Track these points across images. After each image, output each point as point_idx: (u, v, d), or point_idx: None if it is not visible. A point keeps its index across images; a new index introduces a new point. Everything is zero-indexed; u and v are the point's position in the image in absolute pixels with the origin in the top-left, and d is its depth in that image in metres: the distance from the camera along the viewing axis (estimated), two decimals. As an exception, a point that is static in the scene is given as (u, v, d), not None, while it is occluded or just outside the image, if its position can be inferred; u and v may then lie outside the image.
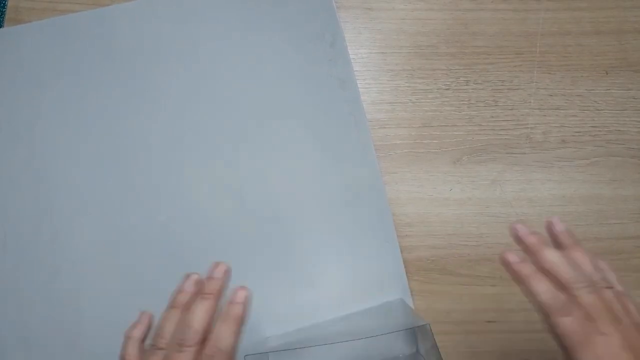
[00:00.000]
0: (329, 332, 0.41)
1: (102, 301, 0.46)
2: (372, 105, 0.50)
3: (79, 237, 0.47)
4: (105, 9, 0.52)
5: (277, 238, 0.46)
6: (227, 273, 0.33)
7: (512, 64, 0.52)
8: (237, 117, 0.49)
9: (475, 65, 0.52)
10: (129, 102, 0.50)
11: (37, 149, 0.49)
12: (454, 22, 0.53)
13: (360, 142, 0.48)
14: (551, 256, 0.31)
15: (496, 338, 0.45)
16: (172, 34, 0.51)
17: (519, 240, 0.33)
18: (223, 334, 0.30)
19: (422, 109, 0.51)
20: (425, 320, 0.38)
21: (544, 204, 0.48)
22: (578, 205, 0.48)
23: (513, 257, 0.32)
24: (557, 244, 0.33)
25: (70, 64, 0.51)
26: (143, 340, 0.33)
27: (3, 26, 0.52)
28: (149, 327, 0.34)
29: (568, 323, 0.28)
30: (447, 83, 0.51)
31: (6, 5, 0.53)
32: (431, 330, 0.38)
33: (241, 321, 0.31)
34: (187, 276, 0.33)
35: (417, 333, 0.42)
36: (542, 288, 0.30)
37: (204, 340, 0.30)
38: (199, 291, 0.32)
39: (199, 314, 0.30)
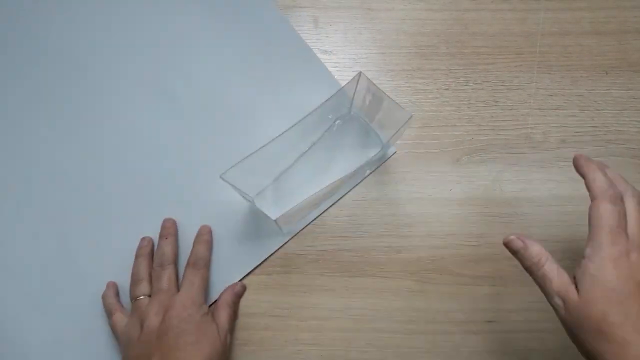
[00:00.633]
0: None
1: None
2: (372, 106, 0.50)
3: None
4: None
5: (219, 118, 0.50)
6: (173, 221, 0.46)
7: (512, 64, 0.52)
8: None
9: (475, 65, 0.52)
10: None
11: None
12: (453, 22, 0.53)
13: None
14: (612, 173, 0.35)
15: (496, 338, 0.45)
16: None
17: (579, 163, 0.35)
18: (199, 250, 0.44)
19: (422, 109, 0.51)
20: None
21: (544, 204, 0.48)
22: (578, 205, 0.48)
23: (582, 155, 0.35)
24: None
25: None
26: (116, 295, 0.44)
27: None
28: (117, 288, 0.45)
29: (609, 209, 0.31)
30: (447, 83, 0.51)
31: None
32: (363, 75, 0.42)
33: (210, 245, 0.45)
34: (142, 239, 0.45)
35: (349, 90, 0.45)
36: (600, 177, 0.33)
37: (176, 261, 0.44)
38: (160, 236, 0.45)
39: (167, 246, 0.44)
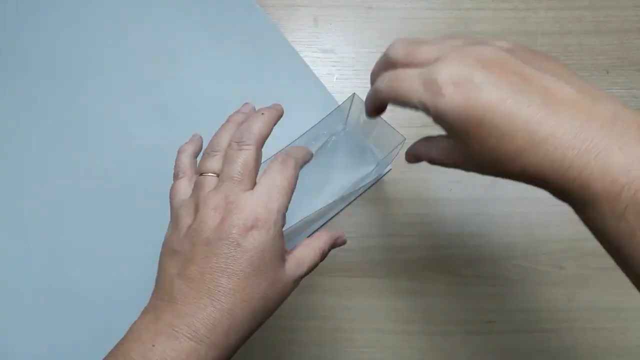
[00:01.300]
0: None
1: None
2: (372, 105, 0.50)
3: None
4: None
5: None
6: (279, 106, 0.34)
7: (513, 63, 0.52)
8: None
9: (476, 64, 0.52)
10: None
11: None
12: (454, 21, 0.53)
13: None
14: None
15: (496, 338, 0.45)
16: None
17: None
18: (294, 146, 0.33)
19: (422, 108, 0.50)
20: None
21: (545, 203, 0.48)
22: (579, 205, 0.48)
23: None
24: None
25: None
26: (195, 155, 0.35)
27: None
28: (200, 146, 0.35)
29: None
30: (448, 82, 0.51)
31: None
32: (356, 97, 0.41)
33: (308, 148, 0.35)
34: (245, 105, 0.36)
35: (345, 109, 0.44)
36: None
37: (262, 144, 0.31)
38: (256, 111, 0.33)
39: (258, 121, 0.31)
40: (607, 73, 0.51)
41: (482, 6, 0.53)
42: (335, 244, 0.34)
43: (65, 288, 0.45)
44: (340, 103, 0.44)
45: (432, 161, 0.30)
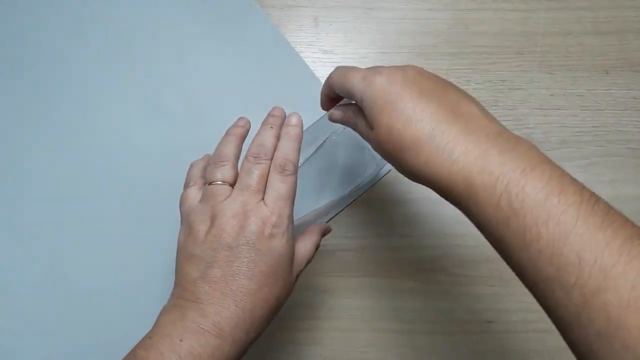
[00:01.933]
0: None
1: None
2: (372, 105, 0.50)
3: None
4: None
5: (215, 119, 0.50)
6: (283, 110, 0.37)
7: (513, 63, 0.52)
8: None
9: (476, 65, 0.52)
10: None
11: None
12: (454, 21, 0.53)
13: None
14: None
15: (496, 338, 0.45)
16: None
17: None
18: (288, 148, 0.34)
19: (422, 108, 0.51)
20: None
21: (544, 204, 0.48)
22: (578, 206, 0.48)
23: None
24: None
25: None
26: (204, 167, 0.36)
27: None
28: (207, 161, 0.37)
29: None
30: (448, 83, 0.51)
31: None
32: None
33: (300, 139, 0.35)
34: (241, 118, 0.38)
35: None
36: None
37: (272, 157, 0.33)
38: (264, 122, 0.36)
39: (269, 136, 0.34)
40: (607, 74, 0.51)
41: (482, 6, 0.53)
42: (326, 232, 0.38)
43: (65, 288, 0.46)
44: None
45: (353, 128, 0.35)
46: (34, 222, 0.47)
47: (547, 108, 0.51)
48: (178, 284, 0.31)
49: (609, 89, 0.51)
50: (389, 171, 0.49)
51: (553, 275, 0.24)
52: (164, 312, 0.30)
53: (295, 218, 0.40)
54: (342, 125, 0.47)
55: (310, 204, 0.44)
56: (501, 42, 0.52)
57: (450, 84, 0.31)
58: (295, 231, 0.44)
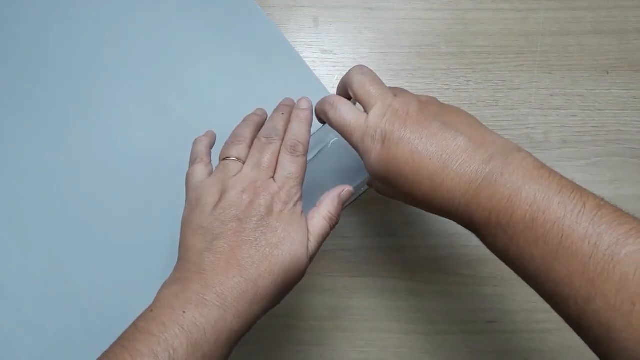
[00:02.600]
0: None
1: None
2: (372, 105, 0.50)
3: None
4: None
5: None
6: (292, 100, 0.38)
7: (513, 63, 0.52)
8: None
9: (476, 65, 0.52)
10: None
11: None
12: (454, 21, 0.53)
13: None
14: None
15: (496, 338, 0.45)
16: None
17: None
18: (298, 130, 0.35)
19: (422, 108, 0.51)
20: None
21: (545, 204, 0.48)
22: (578, 206, 0.48)
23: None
24: None
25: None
26: (210, 145, 0.38)
27: None
28: (214, 139, 0.38)
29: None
30: (448, 83, 0.51)
31: None
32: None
33: (310, 121, 0.36)
34: (258, 109, 0.39)
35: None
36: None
37: (283, 139, 0.35)
38: (276, 109, 0.37)
39: (280, 119, 0.36)
40: (607, 73, 0.51)
41: (482, 7, 0.53)
42: (343, 200, 0.37)
43: (65, 288, 0.46)
44: None
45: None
46: (34, 221, 0.47)
47: (547, 108, 0.51)
48: (181, 257, 0.31)
49: (609, 89, 0.51)
50: None
51: (552, 289, 0.25)
52: (165, 285, 0.30)
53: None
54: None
55: (312, 206, 0.44)
56: (501, 42, 0.52)
57: (447, 110, 0.32)
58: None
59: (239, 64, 0.52)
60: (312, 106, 0.37)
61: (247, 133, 0.36)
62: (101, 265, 0.46)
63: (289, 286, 0.32)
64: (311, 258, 0.33)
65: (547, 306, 0.33)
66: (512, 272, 0.48)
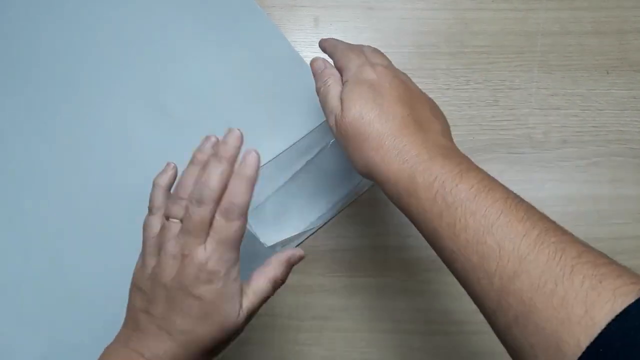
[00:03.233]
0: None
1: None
2: (372, 105, 0.50)
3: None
4: None
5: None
6: (240, 139, 0.33)
7: (513, 63, 0.52)
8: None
9: (476, 64, 0.52)
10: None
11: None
12: (454, 21, 0.53)
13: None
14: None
15: (496, 338, 0.45)
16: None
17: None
18: (237, 190, 0.32)
19: (422, 108, 0.51)
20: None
21: (545, 204, 0.48)
22: (579, 205, 0.48)
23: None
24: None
25: None
26: (168, 189, 0.36)
27: None
28: (174, 177, 0.37)
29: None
30: (448, 82, 0.51)
31: None
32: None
33: (252, 181, 0.32)
34: (207, 138, 0.36)
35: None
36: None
37: (219, 199, 0.32)
38: (215, 153, 0.33)
39: (215, 176, 0.32)
40: (607, 74, 0.51)
41: (482, 6, 0.53)
42: (292, 263, 0.35)
43: (65, 288, 0.45)
44: None
45: (323, 93, 0.37)
46: (34, 221, 0.47)
47: (547, 108, 0.51)
48: (128, 312, 0.34)
49: (609, 89, 0.51)
50: None
51: (478, 263, 0.26)
52: (114, 339, 0.33)
53: (300, 222, 0.39)
54: None
55: (311, 208, 0.44)
56: (501, 42, 0.52)
57: (428, 100, 0.36)
58: (290, 244, 0.44)
59: (239, 64, 0.52)
60: (259, 162, 0.32)
61: (190, 184, 0.33)
62: (101, 265, 0.46)
63: (223, 344, 0.33)
64: (251, 316, 0.33)
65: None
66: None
